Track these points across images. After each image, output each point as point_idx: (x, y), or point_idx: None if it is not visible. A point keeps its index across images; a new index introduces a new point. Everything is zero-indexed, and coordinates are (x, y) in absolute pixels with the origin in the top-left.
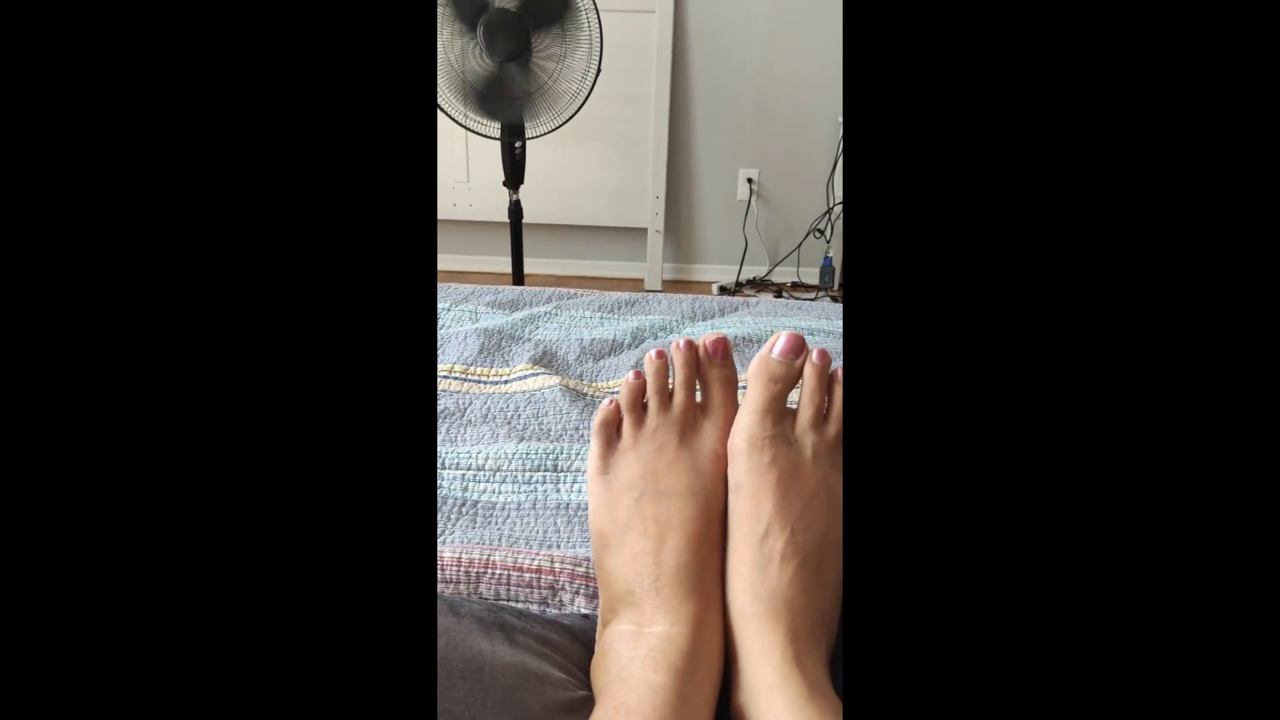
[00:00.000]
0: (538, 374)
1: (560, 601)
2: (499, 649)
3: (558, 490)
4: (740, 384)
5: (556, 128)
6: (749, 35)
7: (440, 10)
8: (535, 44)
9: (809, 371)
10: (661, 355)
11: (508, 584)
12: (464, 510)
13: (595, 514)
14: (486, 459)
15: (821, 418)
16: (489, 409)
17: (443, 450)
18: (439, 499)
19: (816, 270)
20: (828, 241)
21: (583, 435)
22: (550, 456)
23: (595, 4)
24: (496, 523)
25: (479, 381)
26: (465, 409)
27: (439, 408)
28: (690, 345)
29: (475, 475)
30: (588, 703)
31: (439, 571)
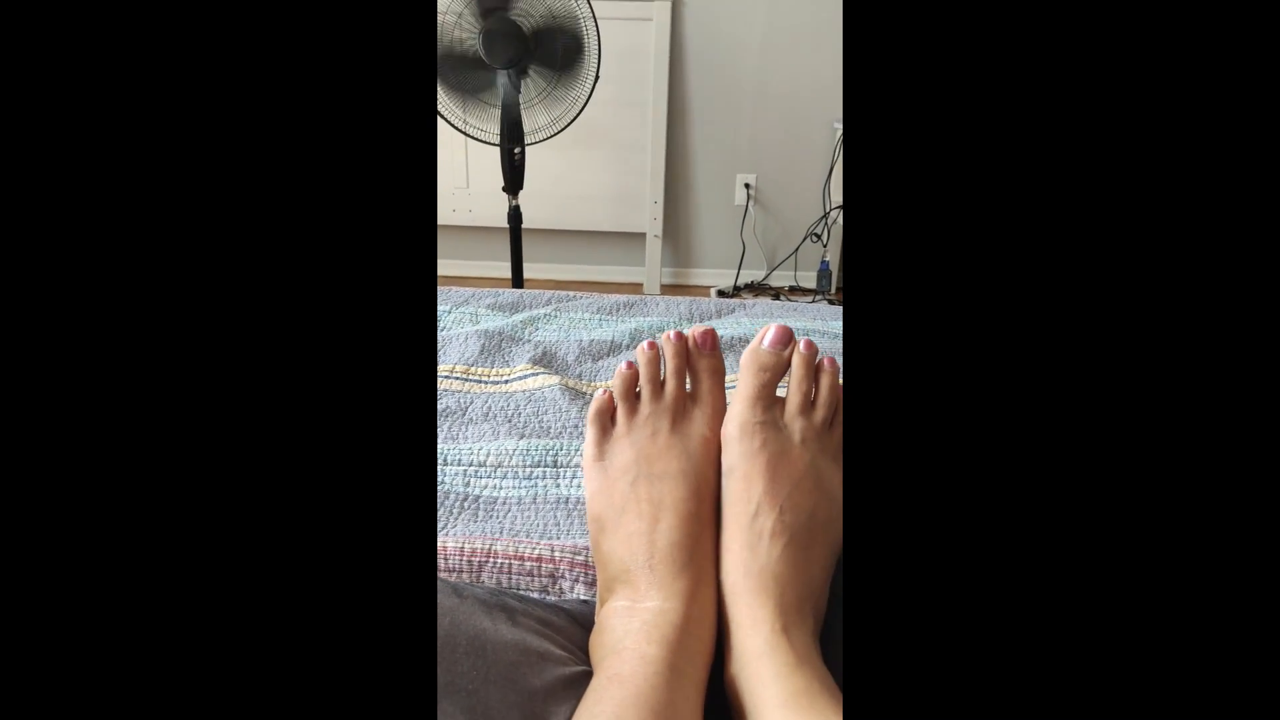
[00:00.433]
0: (537, 374)
1: (560, 589)
2: (501, 628)
3: (557, 485)
4: (731, 381)
5: (555, 134)
6: (745, 43)
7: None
8: (534, 62)
9: (796, 361)
10: (653, 346)
11: (509, 572)
12: (466, 505)
13: (592, 499)
14: (488, 455)
15: (809, 404)
16: (490, 407)
17: (444, 447)
18: (441, 494)
19: (814, 274)
20: (824, 246)
21: (581, 432)
22: (550, 452)
23: (593, 12)
24: (498, 516)
25: (480, 381)
26: (466, 408)
27: (441, 407)
28: (680, 336)
29: (477, 471)
30: (587, 678)
31: (442, 560)
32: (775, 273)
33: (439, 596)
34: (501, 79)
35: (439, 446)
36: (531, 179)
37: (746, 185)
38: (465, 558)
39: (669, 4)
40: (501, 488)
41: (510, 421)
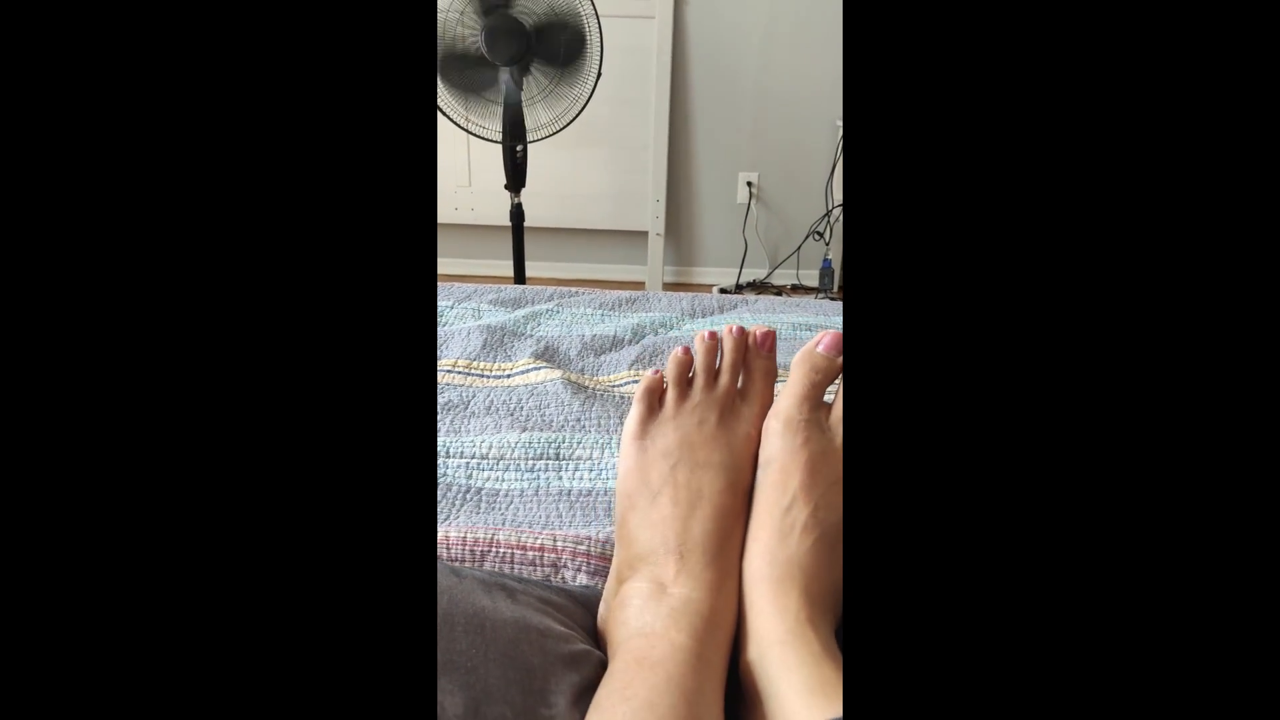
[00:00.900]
0: (540, 368)
1: (563, 579)
2: (500, 605)
3: (559, 477)
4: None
5: (557, 131)
6: (748, 40)
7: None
8: (536, 59)
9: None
10: (713, 336)
11: (512, 562)
12: (468, 497)
13: (626, 475)
14: (490, 448)
15: None
16: (492, 401)
17: (446, 440)
18: (444, 486)
19: (816, 273)
20: (827, 244)
21: (584, 426)
22: (552, 445)
23: (596, 9)
24: (500, 508)
25: (482, 376)
26: (469, 401)
27: (443, 401)
28: (742, 332)
29: (479, 464)
30: (589, 657)
31: (444, 550)
32: (777, 271)
33: (438, 577)
34: (503, 76)
35: (441, 440)
36: (533, 177)
37: (749, 183)
38: (468, 547)
39: (671, 1)
40: (504, 480)
41: (513, 415)
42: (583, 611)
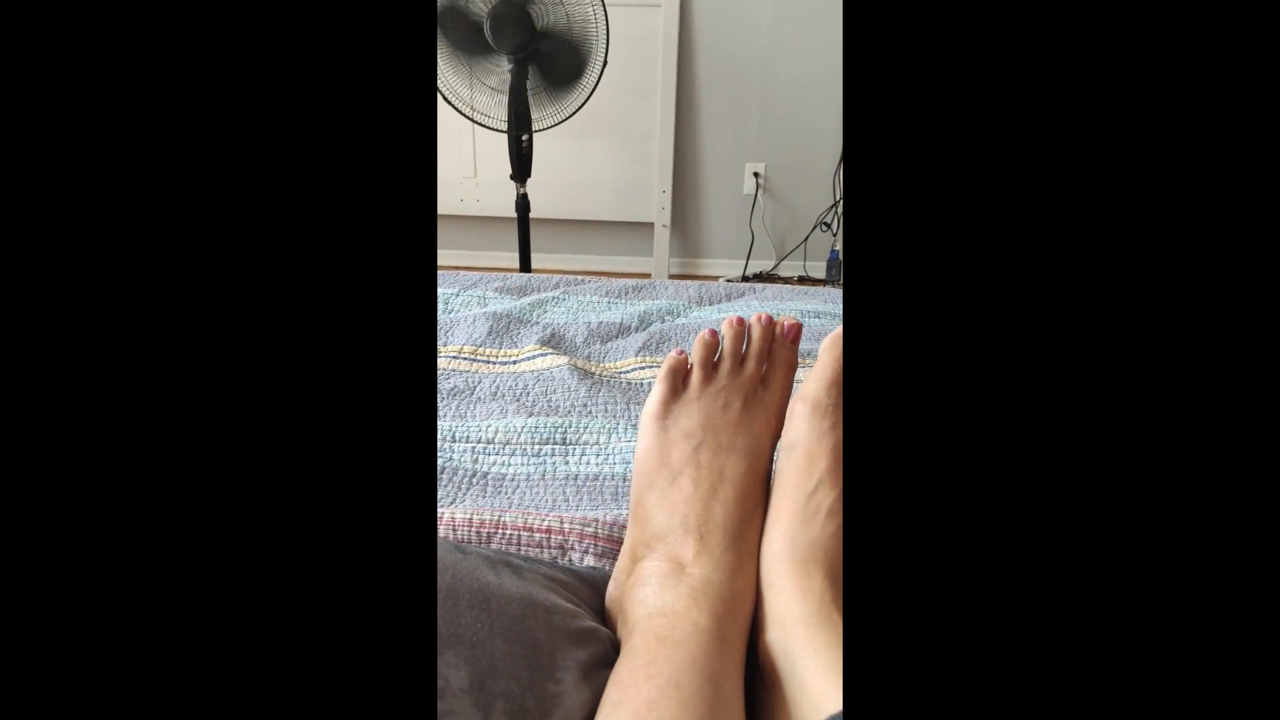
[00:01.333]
0: (546, 354)
1: (570, 560)
2: (506, 581)
3: (566, 462)
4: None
5: (563, 120)
6: (755, 29)
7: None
8: (540, 51)
9: None
10: (740, 322)
11: (518, 544)
12: (474, 481)
13: (646, 454)
14: (496, 432)
15: None
16: (498, 387)
17: (452, 425)
18: (450, 471)
19: (823, 264)
20: (835, 235)
21: (590, 411)
22: (559, 430)
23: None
24: (506, 492)
25: (488, 362)
26: (474, 387)
27: (448, 386)
28: (770, 321)
29: (485, 448)
30: (597, 634)
31: (450, 532)
32: (784, 263)
33: (441, 553)
34: (508, 64)
35: (447, 425)
36: (539, 168)
37: (756, 174)
38: (474, 529)
39: None
40: (510, 464)
41: (519, 400)
42: (590, 591)
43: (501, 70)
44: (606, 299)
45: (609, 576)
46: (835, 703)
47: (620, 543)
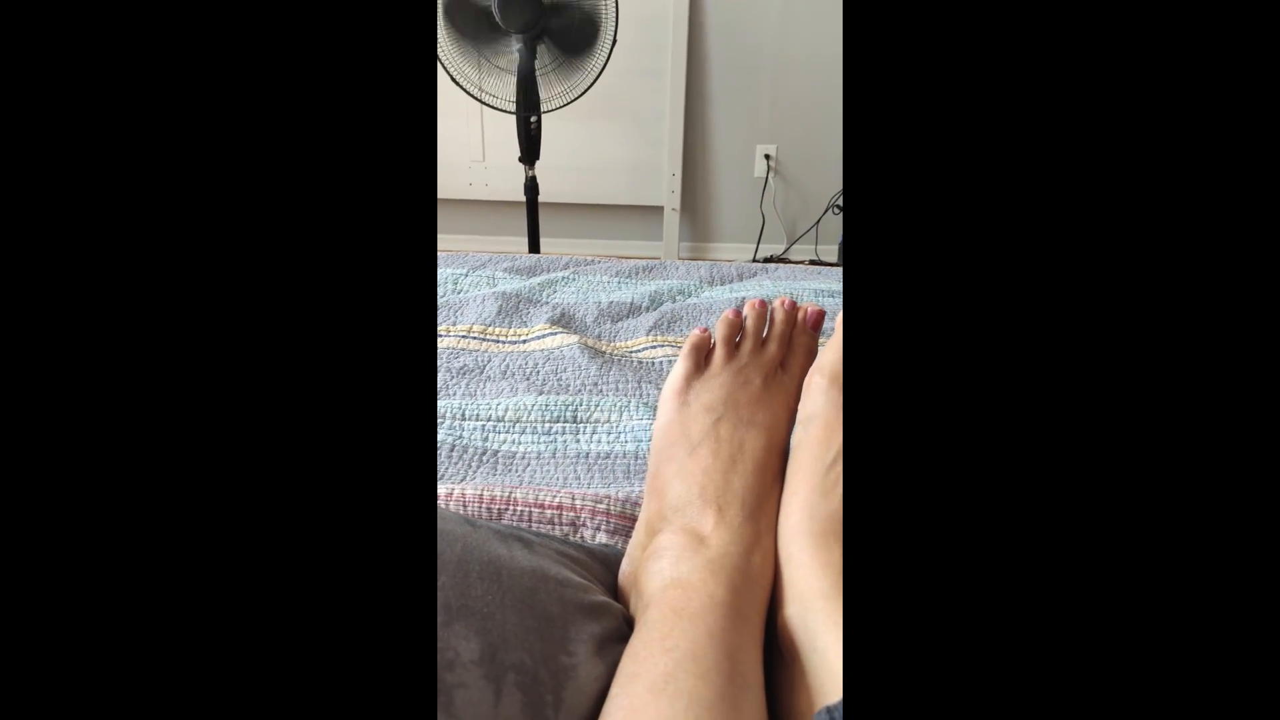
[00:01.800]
0: (556, 333)
1: (582, 536)
2: (517, 554)
3: (577, 440)
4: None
5: (572, 101)
6: (767, 7)
7: None
8: (550, 28)
9: None
10: (764, 305)
11: (529, 520)
12: (484, 459)
13: (666, 427)
14: (506, 410)
15: None
16: (508, 365)
17: (462, 403)
18: (460, 448)
19: (835, 248)
20: None
21: (601, 389)
22: (569, 408)
23: None
24: (517, 470)
25: (497, 341)
26: (484, 366)
27: (458, 365)
28: (794, 305)
29: (495, 426)
30: (610, 608)
31: (460, 508)
32: (795, 246)
33: (451, 525)
34: (516, 44)
35: (457, 403)
36: (547, 151)
37: (767, 156)
38: (484, 504)
39: None
40: (520, 443)
41: (529, 379)
42: (602, 568)
43: (510, 51)
44: (616, 279)
45: (621, 555)
46: None
47: (633, 520)
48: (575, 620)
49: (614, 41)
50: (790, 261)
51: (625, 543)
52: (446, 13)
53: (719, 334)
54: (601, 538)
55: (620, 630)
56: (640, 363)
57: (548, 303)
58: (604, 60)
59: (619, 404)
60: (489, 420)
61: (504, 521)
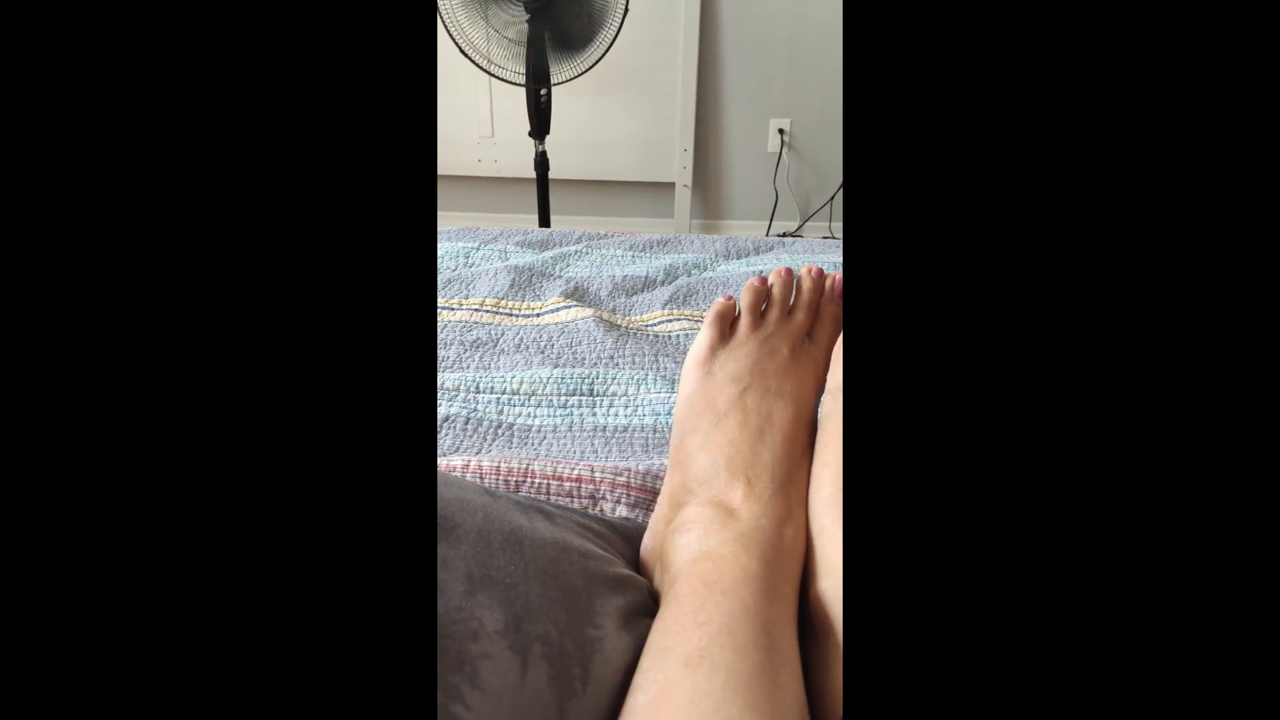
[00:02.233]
0: (570, 306)
1: (601, 509)
2: (538, 526)
3: (594, 413)
4: None
5: (583, 73)
6: None
7: None
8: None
9: None
10: (790, 273)
11: (547, 492)
12: (500, 432)
13: (690, 398)
14: (521, 383)
15: None
16: (521, 338)
17: (476, 376)
18: (475, 421)
19: None
20: None
21: (617, 362)
22: (585, 381)
23: None
24: (533, 444)
25: (510, 314)
26: (498, 339)
27: (471, 338)
28: (820, 274)
29: (510, 399)
30: (634, 581)
31: (478, 479)
32: (809, 223)
33: (471, 495)
34: (526, 14)
35: (470, 376)
36: (558, 127)
37: (780, 130)
38: (501, 477)
39: None
40: (536, 416)
41: (543, 352)
42: (623, 542)
43: (519, 21)
44: (630, 253)
45: (643, 529)
46: None
47: (654, 493)
48: (600, 592)
49: (625, 9)
50: (804, 240)
51: (646, 516)
52: None
53: (744, 302)
54: (622, 511)
55: (645, 604)
56: (656, 336)
57: (560, 276)
58: (616, 29)
59: (636, 377)
60: (504, 393)
61: (521, 493)
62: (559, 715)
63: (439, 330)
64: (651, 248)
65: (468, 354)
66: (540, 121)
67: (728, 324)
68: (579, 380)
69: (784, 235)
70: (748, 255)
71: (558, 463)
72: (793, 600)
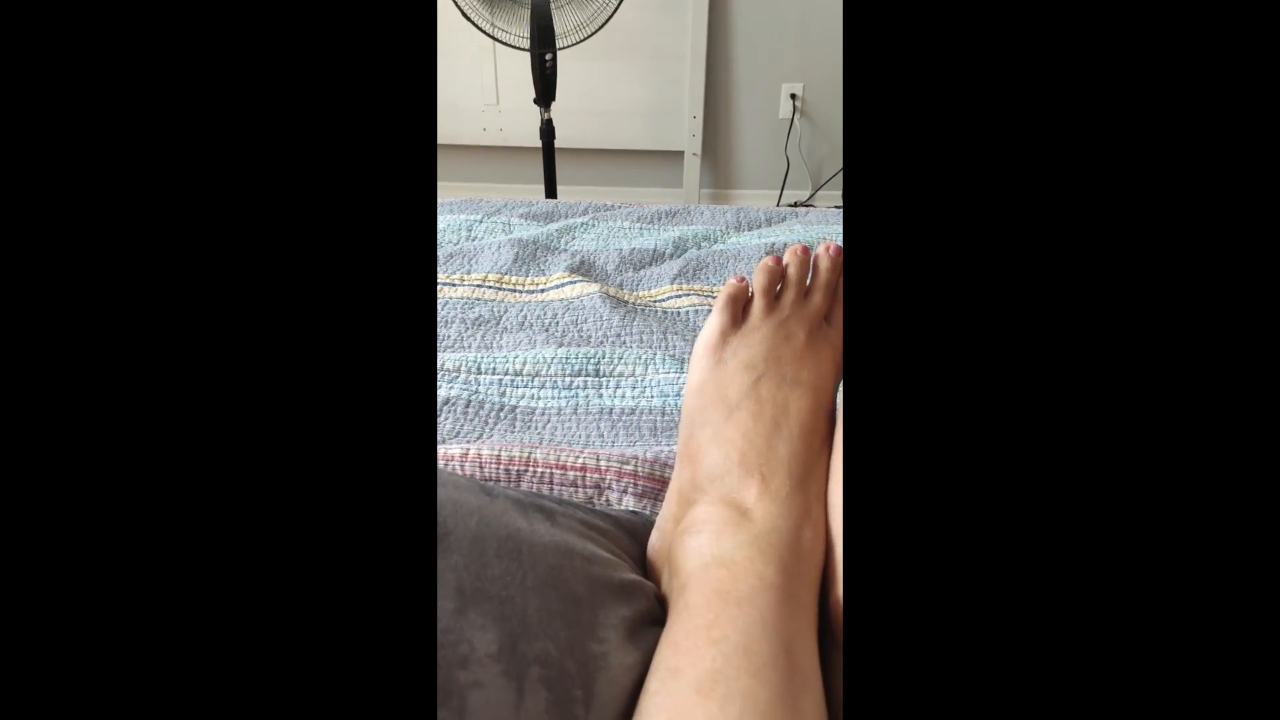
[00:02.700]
0: (575, 281)
1: (607, 500)
2: (538, 528)
3: (600, 395)
4: None
5: (589, 36)
6: None
7: None
8: None
9: None
10: (806, 251)
11: (550, 482)
12: (502, 415)
13: (699, 388)
14: (524, 364)
15: None
16: (525, 316)
17: (478, 356)
18: (476, 404)
19: None
20: None
21: (624, 341)
22: (591, 361)
23: None
24: (536, 427)
25: (514, 290)
26: (500, 316)
27: (473, 316)
28: (839, 251)
29: (513, 380)
30: (641, 588)
31: (477, 470)
32: (821, 192)
33: (466, 495)
34: None
35: (472, 356)
36: (563, 94)
37: (793, 96)
38: (502, 466)
39: None
40: (540, 398)
41: (548, 330)
42: (629, 539)
43: None
44: (638, 225)
45: (650, 524)
46: None
47: (663, 483)
48: (604, 602)
49: None
50: (816, 209)
51: (655, 508)
52: None
53: (757, 283)
54: (629, 501)
55: (653, 612)
56: (665, 313)
57: (566, 250)
58: None
59: (644, 356)
60: (506, 374)
61: (523, 484)
62: None
63: (439, 308)
64: (660, 219)
65: (469, 333)
66: (545, 87)
67: (740, 307)
68: (584, 360)
69: (795, 205)
70: (759, 226)
71: (561, 450)
72: (813, 609)
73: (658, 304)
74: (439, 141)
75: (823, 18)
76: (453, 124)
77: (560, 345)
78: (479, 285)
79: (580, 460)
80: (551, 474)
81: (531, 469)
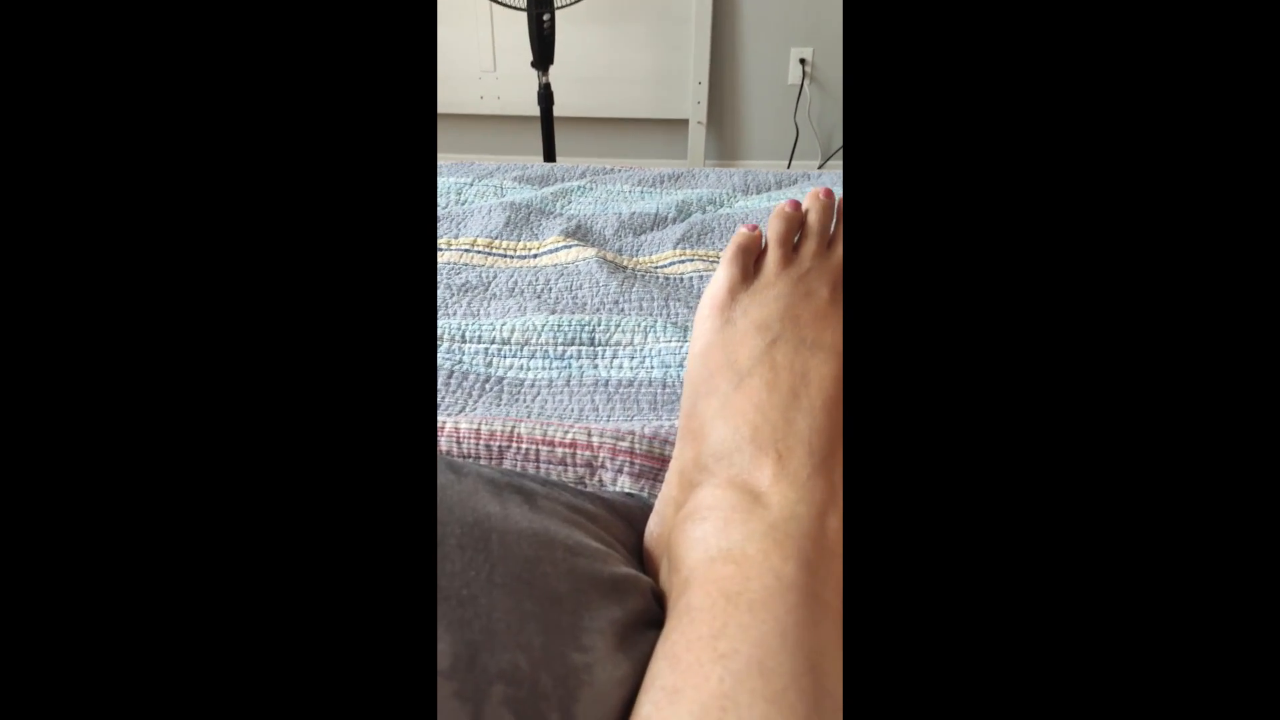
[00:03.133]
0: (570, 246)
1: (600, 481)
2: (513, 512)
3: (595, 366)
4: None
5: None
6: None
7: None
8: None
9: None
10: (830, 195)
11: (536, 459)
12: (488, 387)
13: (705, 353)
14: (513, 331)
15: None
16: (516, 282)
17: (463, 324)
18: (460, 375)
19: None
20: None
21: (622, 308)
22: (586, 329)
23: None
24: (525, 400)
25: (505, 255)
26: (489, 282)
27: (460, 281)
28: None
29: (500, 350)
30: (636, 584)
31: (454, 445)
32: (832, 161)
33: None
34: None
35: (457, 323)
36: (563, 59)
37: (802, 61)
38: (482, 441)
39: None
40: (529, 368)
41: (539, 296)
42: (623, 525)
43: None
44: (639, 188)
45: (648, 508)
46: None
47: (662, 461)
48: (590, 601)
49: None
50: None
51: (654, 489)
52: None
53: (773, 232)
54: (624, 482)
55: (650, 612)
56: (667, 279)
57: (562, 214)
58: None
59: (643, 324)
60: (493, 342)
61: (505, 460)
62: None
63: None
64: (662, 182)
65: (454, 299)
66: (543, 50)
67: (752, 260)
68: (578, 328)
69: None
70: (768, 190)
71: (549, 425)
72: (839, 612)
73: (659, 269)
74: None
75: None
76: (448, 92)
77: (553, 312)
78: (466, 250)
79: (570, 436)
80: (538, 450)
81: (515, 444)
